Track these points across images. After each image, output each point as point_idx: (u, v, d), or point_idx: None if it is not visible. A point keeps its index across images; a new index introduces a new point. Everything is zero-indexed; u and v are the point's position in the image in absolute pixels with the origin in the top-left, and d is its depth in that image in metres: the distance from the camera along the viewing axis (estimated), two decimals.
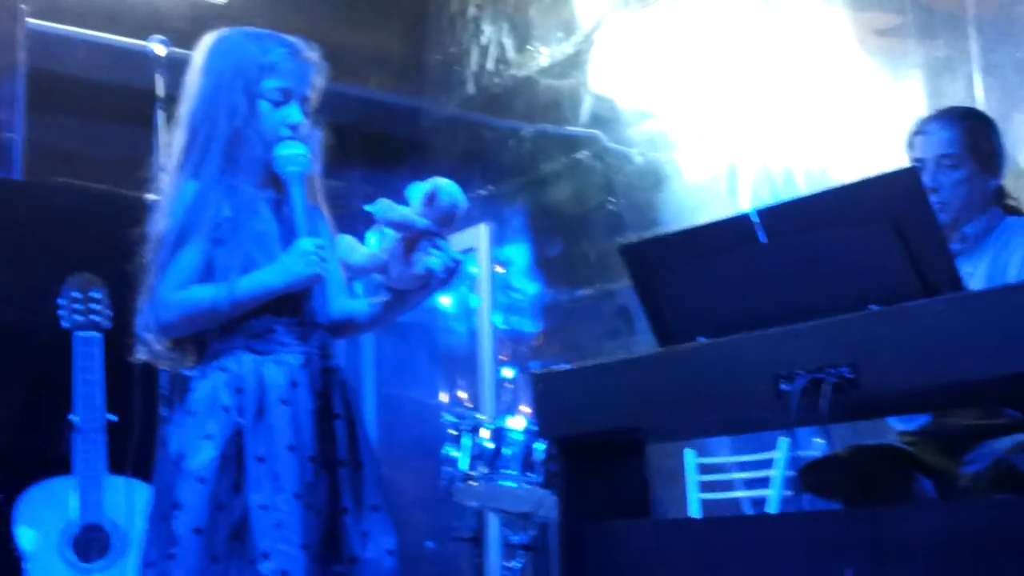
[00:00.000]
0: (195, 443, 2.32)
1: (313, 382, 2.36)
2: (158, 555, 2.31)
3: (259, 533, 2.26)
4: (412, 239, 2.37)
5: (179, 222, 2.37)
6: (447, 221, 2.38)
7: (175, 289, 2.35)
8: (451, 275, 2.41)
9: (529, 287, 5.20)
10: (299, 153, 2.42)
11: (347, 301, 2.56)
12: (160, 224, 2.40)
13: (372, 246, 2.41)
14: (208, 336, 2.41)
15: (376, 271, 2.42)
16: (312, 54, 2.52)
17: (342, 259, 2.43)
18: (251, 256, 2.39)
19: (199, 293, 2.35)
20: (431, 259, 2.36)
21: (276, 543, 2.25)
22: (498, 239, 5.33)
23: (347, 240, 2.44)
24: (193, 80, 2.48)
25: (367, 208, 2.38)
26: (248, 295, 2.35)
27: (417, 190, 2.37)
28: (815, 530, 2.12)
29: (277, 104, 2.45)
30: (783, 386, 2.03)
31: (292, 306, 2.40)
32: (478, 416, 3.62)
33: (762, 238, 2.20)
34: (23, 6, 4.84)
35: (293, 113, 2.46)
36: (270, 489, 2.28)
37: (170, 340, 2.43)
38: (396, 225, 2.35)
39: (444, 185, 2.36)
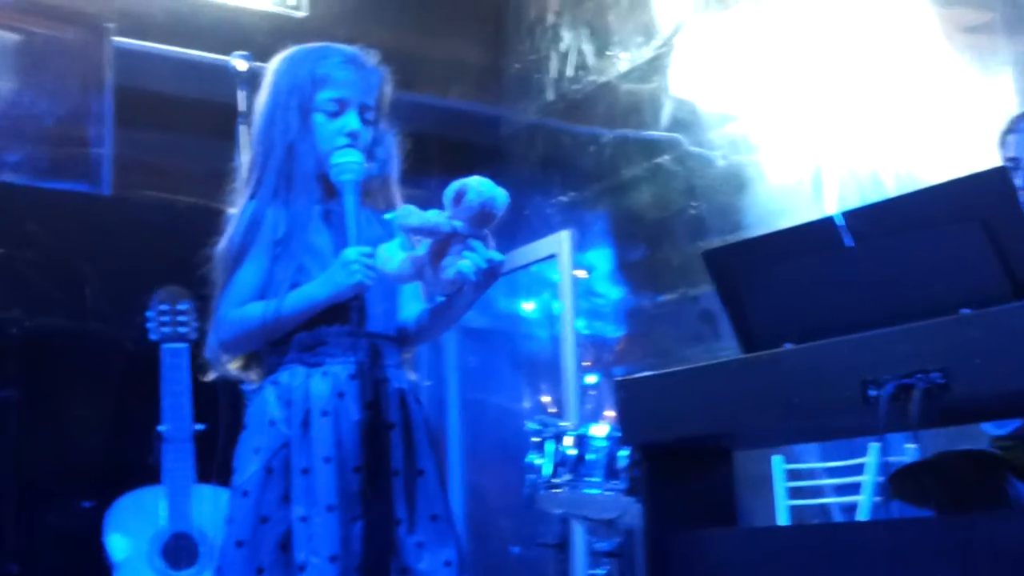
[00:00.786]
0: (246, 457, 2.36)
1: (363, 392, 2.32)
2: (214, 569, 2.39)
3: (298, 545, 2.28)
4: (442, 243, 2.30)
5: (238, 242, 2.41)
6: (481, 220, 2.29)
7: (233, 307, 2.39)
8: (487, 276, 2.33)
9: (612, 292, 5.18)
10: (354, 161, 2.41)
11: (415, 307, 2.53)
12: (221, 246, 2.45)
13: (412, 253, 2.34)
14: (265, 351, 2.44)
15: (411, 279, 2.38)
16: (370, 61, 2.52)
17: (379, 269, 2.36)
18: (304, 269, 2.40)
19: (251, 311, 2.38)
20: (462, 262, 2.29)
21: (309, 555, 2.26)
22: (580, 245, 5.32)
23: (384, 249, 2.38)
24: (260, 101, 2.53)
25: (386, 216, 2.36)
26: (295, 309, 2.36)
27: (450, 191, 2.32)
28: (906, 537, 2.08)
29: (332, 115, 2.46)
30: (871, 392, 1.99)
31: (343, 316, 2.38)
32: (561, 423, 3.61)
33: (848, 241, 2.16)
34: (110, 25, 4.93)
35: (350, 121, 2.46)
36: (307, 501, 2.29)
37: (233, 358, 2.46)
38: (418, 231, 2.30)
39: (473, 184, 2.29)
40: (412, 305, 2.53)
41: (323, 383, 2.36)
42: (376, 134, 2.51)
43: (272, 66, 2.54)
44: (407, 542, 2.34)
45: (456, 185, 2.30)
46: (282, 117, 2.46)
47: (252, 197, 2.45)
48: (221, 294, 2.41)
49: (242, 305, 2.38)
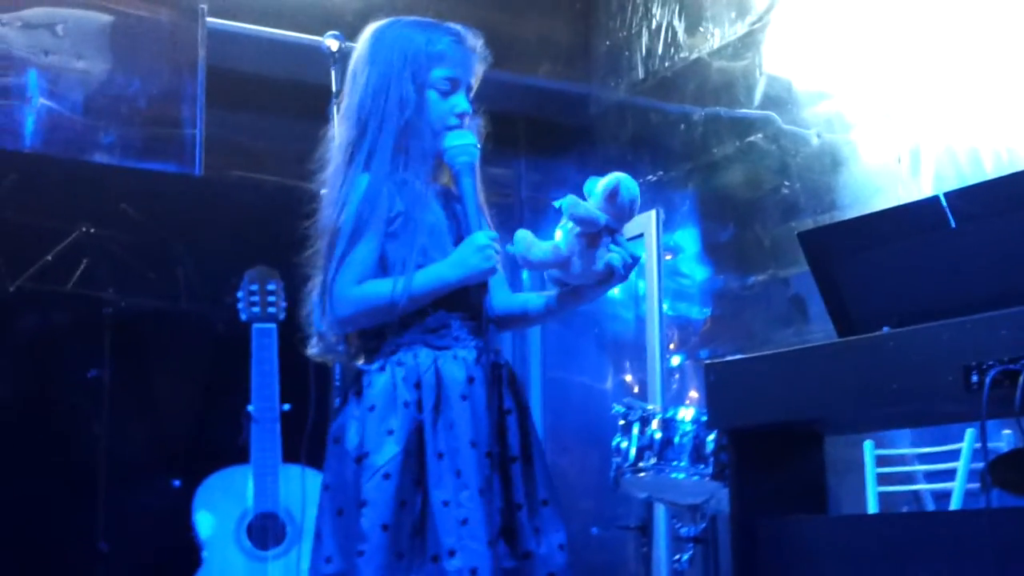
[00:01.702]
0: (378, 439, 2.31)
1: (488, 377, 2.33)
2: (340, 551, 2.31)
3: (444, 530, 2.24)
4: (593, 235, 2.35)
5: (354, 215, 2.35)
6: (625, 216, 2.36)
7: (352, 283, 2.34)
8: (629, 271, 2.38)
9: (698, 273, 5.12)
10: (469, 143, 2.40)
11: (514, 294, 2.53)
12: (333, 217, 2.39)
13: (560, 241, 2.38)
14: (387, 331, 2.39)
15: (557, 266, 2.40)
16: (476, 42, 2.49)
17: (520, 254, 2.38)
18: (424, 250, 2.37)
19: (376, 287, 2.34)
20: (612, 255, 2.34)
21: (463, 540, 2.23)
22: (668, 224, 5.26)
23: (524, 235, 2.41)
24: (359, 70, 2.46)
25: (556, 204, 2.36)
26: (425, 289, 2.33)
27: (596, 185, 2.36)
28: (1006, 528, 2.02)
29: (445, 94, 2.43)
30: (974, 377, 1.94)
31: (466, 301, 2.37)
32: (648, 406, 3.58)
33: (951, 222, 2.11)
34: (203, 6, 4.98)
35: (461, 102, 2.43)
36: (453, 486, 2.26)
37: (344, 334, 2.42)
38: (582, 220, 2.33)
39: (625, 180, 2.34)
40: (503, 292, 2.51)
41: (456, 367, 2.35)
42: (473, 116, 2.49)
43: (372, 34, 2.49)
44: (527, 527, 2.33)
45: (609, 181, 2.33)
46: (397, 88, 2.40)
47: (366, 169, 2.39)
48: (336, 267, 2.35)
49: (361, 281, 2.34)
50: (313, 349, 2.45)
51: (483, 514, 2.25)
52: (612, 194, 2.32)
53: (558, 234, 2.39)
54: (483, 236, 2.32)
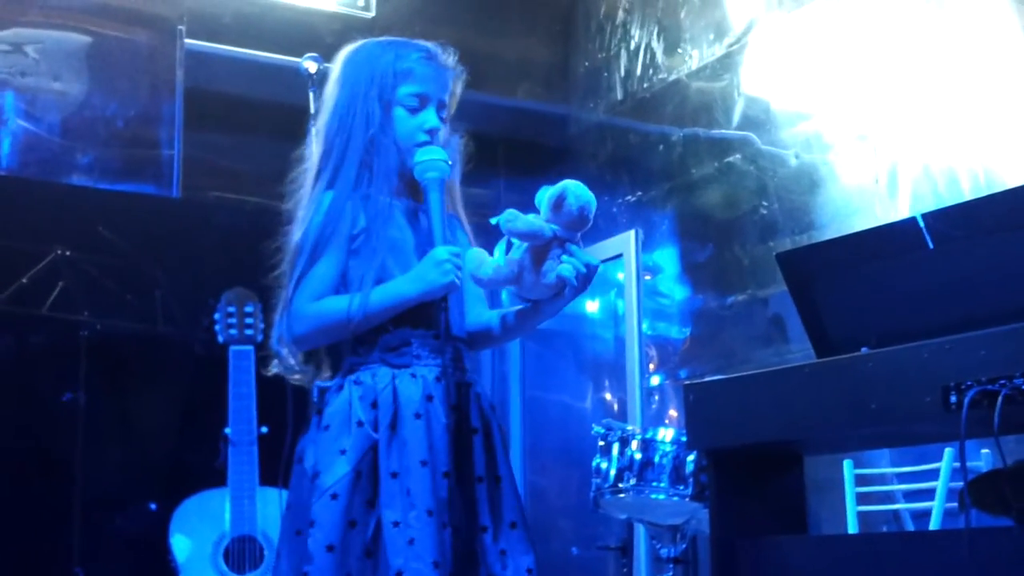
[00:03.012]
0: (329, 458, 2.29)
1: (448, 396, 2.30)
2: (291, 571, 2.30)
3: (392, 550, 2.22)
4: (542, 247, 2.30)
5: (315, 233, 2.35)
6: (578, 225, 2.30)
7: (310, 301, 2.33)
8: (586, 281, 2.33)
9: (677, 293, 5.13)
10: (438, 158, 2.38)
11: (483, 312, 2.51)
12: (296, 235, 2.39)
13: (499, 258, 2.35)
14: (344, 349, 2.38)
15: (506, 283, 2.36)
16: (449, 59, 2.49)
17: (472, 273, 2.36)
18: (385, 266, 2.36)
19: (332, 304, 2.33)
20: (563, 267, 2.29)
21: (409, 561, 2.20)
22: (647, 245, 5.27)
23: (475, 253, 2.39)
24: (329, 93, 2.48)
25: (492, 220, 2.33)
26: (381, 306, 2.32)
27: (545, 195, 2.31)
28: (985, 548, 2.02)
29: (413, 110, 2.43)
30: (953, 398, 1.94)
31: (427, 318, 2.35)
32: (627, 427, 3.57)
33: (929, 243, 2.11)
34: (181, 27, 4.97)
35: (430, 118, 2.43)
36: (402, 505, 2.24)
37: (303, 353, 2.41)
38: (523, 235, 2.29)
39: (572, 188, 2.29)
40: (478, 309, 2.50)
41: (413, 385, 2.32)
42: (446, 134, 2.48)
43: (343, 57, 2.51)
44: (492, 549, 2.30)
45: (554, 190, 2.30)
46: (363, 107, 2.41)
47: (330, 187, 2.40)
48: (295, 285, 2.35)
49: (319, 299, 2.34)
50: (274, 369, 2.44)
51: (430, 534, 2.22)
52: (558, 203, 2.28)
53: (496, 251, 2.36)
54: (443, 251, 2.30)
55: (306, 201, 2.43)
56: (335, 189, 2.40)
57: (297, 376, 2.45)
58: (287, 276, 2.38)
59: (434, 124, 2.43)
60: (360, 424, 2.30)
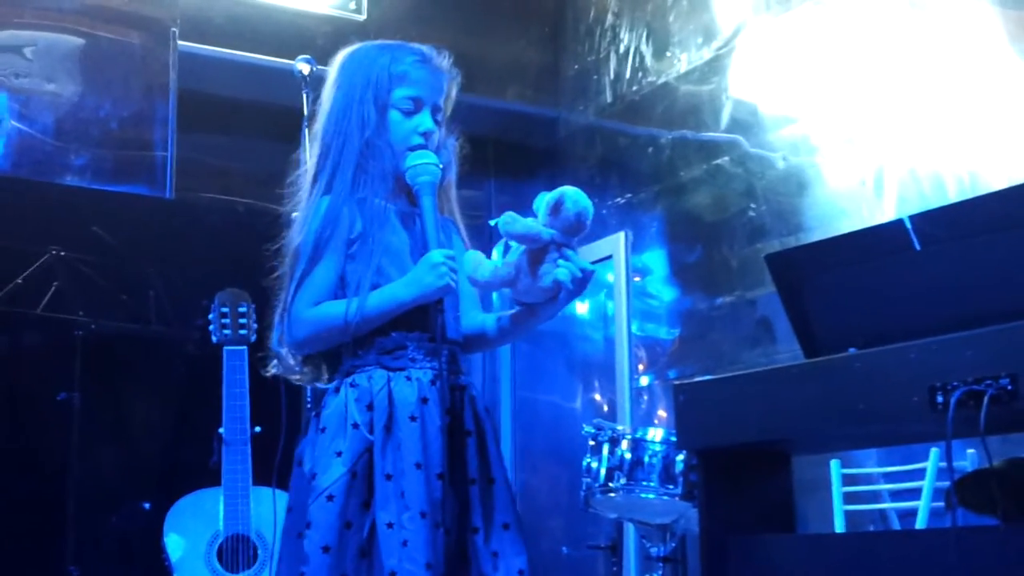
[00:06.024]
0: (326, 460, 2.31)
1: (443, 398, 2.31)
2: (288, 572, 2.32)
3: (386, 552, 2.24)
4: (539, 251, 2.33)
5: (313, 237, 2.37)
6: (575, 230, 2.33)
7: (308, 305, 2.35)
8: (581, 285, 2.35)
9: (666, 294, 5.15)
10: (429, 162, 2.40)
11: (478, 315, 2.52)
12: (295, 239, 2.41)
13: (496, 260, 2.38)
14: (344, 352, 2.40)
15: (503, 286, 2.38)
16: (443, 62, 2.51)
17: (469, 275, 2.38)
18: (382, 269, 2.38)
19: (330, 309, 2.35)
20: (559, 270, 2.31)
21: (402, 562, 2.22)
22: (636, 246, 5.30)
23: (473, 255, 2.41)
24: (326, 97, 2.50)
25: (491, 223, 2.35)
26: (378, 309, 2.34)
27: (544, 200, 2.34)
28: (972, 547, 2.05)
29: (408, 113, 2.45)
30: (939, 398, 1.97)
31: (422, 322, 2.37)
32: (617, 427, 3.60)
33: (916, 245, 2.14)
34: (175, 29, 4.98)
35: (425, 121, 2.45)
36: (397, 507, 2.26)
37: (303, 355, 2.43)
38: (520, 238, 2.32)
39: (570, 193, 2.31)
40: (473, 312, 2.51)
41: (408, 388, 2.34)
42: (441, 137, 2.50)
43: (340, 60, 2.52)
44: (483, 551, 2.32)
45: (553, 195, 2.32)
46: (358, 111, 2.43)
47: (327, 191, 2.42)
48: (294, 289, 2.37)
49: (317, 303, 2.35)
50: (273, 370, 2.46)
51: (424, 536, 2.24)
52: (556, 208, 2.30)
53: (494, 254, 2.39)
54: (438, 255, 2.31)
55: (303, 205, 2.45)
56: (332, 193, 2.41)
57: (297, 377, 2.47)
58: (286, 280, 2.40)
59: (429, 127, 2.45)
60: (356, 426, 2.31)
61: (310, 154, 2.52)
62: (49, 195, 4.57)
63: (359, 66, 2.49)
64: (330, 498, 2.28)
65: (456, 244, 2.49)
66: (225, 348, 3.93)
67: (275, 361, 2.45)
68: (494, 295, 2.66)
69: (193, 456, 4.01)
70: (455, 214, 2.55)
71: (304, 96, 3.72)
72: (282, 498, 3.64)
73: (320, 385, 2.44)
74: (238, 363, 3.91)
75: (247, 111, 5.15)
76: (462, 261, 2.40)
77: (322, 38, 5.08)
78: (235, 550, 3.85)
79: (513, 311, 2.47)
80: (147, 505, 4.33)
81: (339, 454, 2.31)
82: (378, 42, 2.56)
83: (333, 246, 2.38)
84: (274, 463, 3.54)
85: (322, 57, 3.52)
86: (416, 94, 2.46)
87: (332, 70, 2.53)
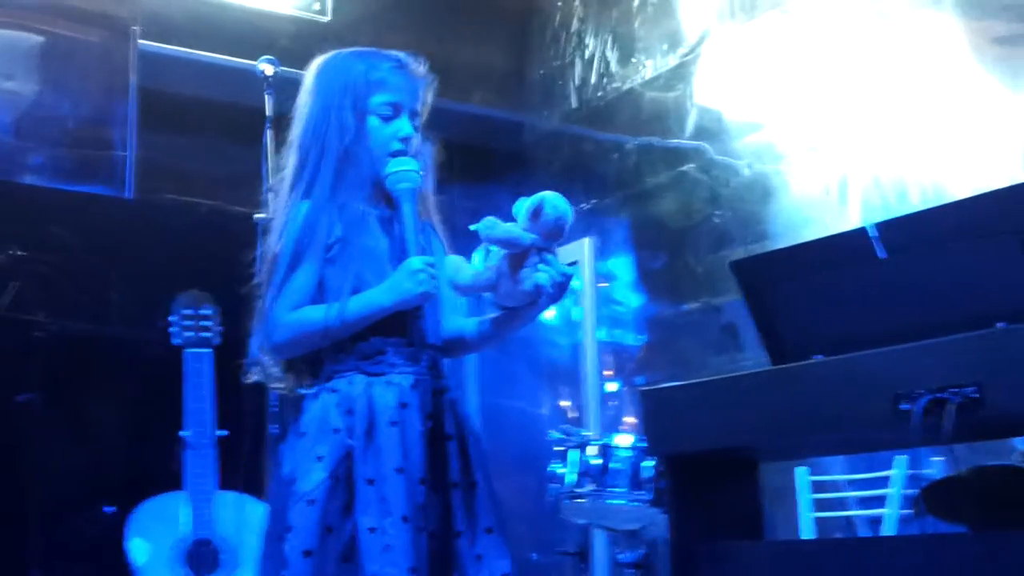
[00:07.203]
0: (306, 465, 2.30)
1: (424, 403, 2.32)
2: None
3: (368, 556, 2.23)
4: (519, 255, 2.33)
5: (292, 243, 2.37)
6: (554, 234, 2.33)
7: (288, 310, 2.35)
8: (561, 290, 2.35)
9: (632, 300, 5.16)
10: (410, 169, 2.40)
11: (457, 320, 2.52)
12: (273, 246, 2.41)
13: (478, 265, 2.39)
14: (323, 357, 2.40)
15: (484, 290, 2.39)
16: (420, 68, 2.51)
17: (449, 279, 2.40)
18: (361, 275, 2.37)
19: (310, 314, 2.35)
20: (540, 275, 2.32)
21: (384, 567, 2.21)
22: (601, 252, 5.30)
23: (453, 260, 2.42)
24: (302, 103, 2.49)
25: (472, 227, 2.35)
26: (358, 315, 2.33)
27: (523, 205, 2.34)
28: (938, 554, 2.06)
29: (387, 119, 2.45)
30: (904, 406, 1.97)
31: (401, 327, 2.37)
32: (585, 432, 3.59)
33: (880, 253, 2.15)
34: (135, 28, 4.94)
35: (404, 126, 2.45)
36: (378, 512, 2.25)
37: (283, 361, 2.42)
38: (501, 242, 2.32)
39: (550, 198, 2.32)
40: (454, 317, 2.51)
41: (388, 393, 2.33)
42: (418, 142, 2.50)
43: (315, 67, 2.52)
44: (467, 554, 2.32)
45: (533, 200, 2.32)
46: (337, 117, 2.43)
47: (306, 197, 2.41)
48: (273, 294, 2.36)
49: (297, 308, 2.35)
50: (254, 376, 2.45)
51: (406, 541, 2.23)
52: (536, 212, 2.31)
53: (475, 258, 2.39)
54: (417, 261, 2.32)
55: (281, 211, 2.44)
56: (311, 199, 2.41)
57: (281, 385, 2.47)
58: (264, 285, 2.40)
59: (408, 132, 2.45)
60: (336, 431, 2.31)
61: (285, 161, 2.51)
62: (7, 194, 4.52)
63: (336, 72, 2.49)
64: (311, 502, 2.27)
65: (436, 248, 2.49)
66: (186, 351, 3.89)
67: (257, 368, 2.44)
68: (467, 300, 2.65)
69: (156, 459, 3.98)
70: (433, 219, 2.54)
71: (267, 97, 3.69)
72: (248, 502, 3.63)
73: (299, 390, 2.43)
74: (200, 366, 3.87)
75: (209, 111, 5.12)
76: (442, 265, 2.41)
77: (285, 39, 5.06)
78: (200, 555, 3.81)
79: (494, 315, 2.47)
80: (110, 509, 4.28)
81: (320, 459, 2.30)
82: (353, 49, 2.55)
83: (312, 251, 2.37)
84: (240, 467, 3.52)
85: (285, 58, 3.50)
86: (395, 99, 2.46)
87: (308, 77, 2.53)
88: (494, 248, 2.36)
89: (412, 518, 2.25)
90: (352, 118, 2.43)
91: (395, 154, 2.43)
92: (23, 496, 4.13)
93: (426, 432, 2.31)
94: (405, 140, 2.44)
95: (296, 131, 2.49)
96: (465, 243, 2.48)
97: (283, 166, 2.51)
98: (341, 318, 2.32)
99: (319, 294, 2.38)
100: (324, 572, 2.25)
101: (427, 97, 2.52)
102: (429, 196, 2.53)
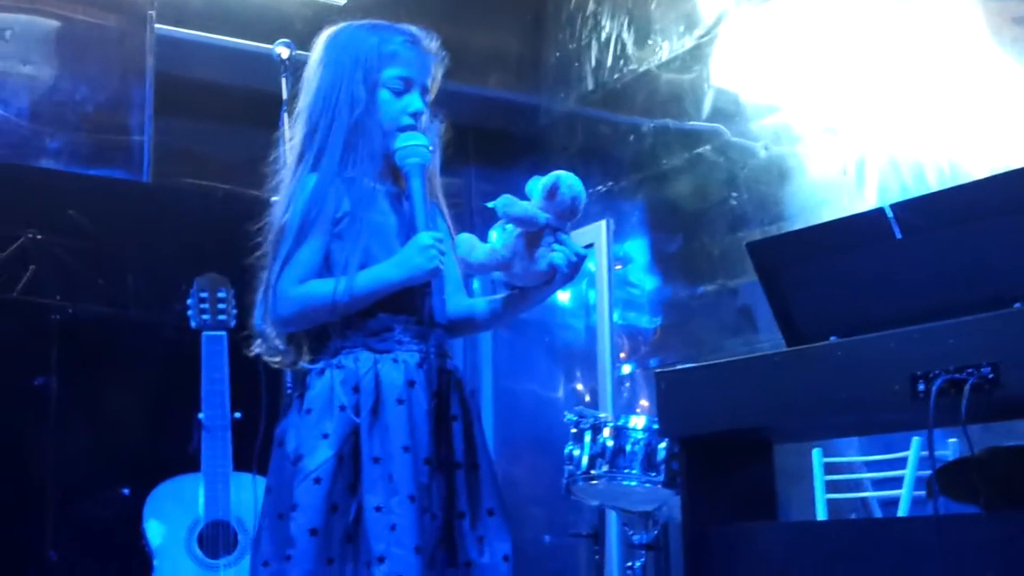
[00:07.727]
0: (312, 442, 2.28)
1: (430, 382, 2.29)
2: (274, 555, 2.28)
3: (374, 535, 2.22)
4: (534, 234, 2.32)
5: (300, 215, 2.33)
6: (569, 214, 2.32)
7: (294, 283, 2.32)
8: (575, 270, 2.34)
9: (647, 282, 5.16)
10: (420, 144, 2.37)
11: (464, 299, 2.50)
12: (280, 217, 2.37)
13: (495, 242, 2.37)
14: (330, 332, 2.37)
15: (497, 268, 2.37)
16: (432, 43, 2.48)
17: (462, 257, 2.37)
18: (369, 250, 2.35)
19: (317, 287, 2.32)
20: (555, 254, 2.31)
21: (391, 546, 2.20)
22: (617, 235, 5.30)
23: (466, 238, 2.39)
24: (312, 74, 2.46)
25: (489, 204, 2.33)
26: (366, 290, 2.31)
27: (537, 184, 2.33)
28: (953, 535, 2.05)
29: (398, 93, 2.42)
30: (920, 387, 1.97)
31: (410, 304, 2.34)
32: (599, 414, 3.60)
33: (897, 234, 2.14)
34: (152, 12, 4.95)
35: (414, 101, 2.42)
36: (384, 491, 2.24)
37: (286, 335, 2.39)
38: (518, 220, 2.31)
39: (565, 178, 2.31)
40: (458, 296, 2.49)
41: (395, 371, 2.31)
42: (427, 119, 2.48)
43: (326, 38, 2.48)
44: (469, 536, 2.30)
45: (548, 179, 2.31)
46: (348, 89, 2.40)
47: (314, 169, 2.38)
48: (280, 267, 2.33)
49: (303, 281, 2.32)
50: (256, 349, 2.43)
51: (412, 520, 2.22)
52: (551, 192, 2.29)
53: (492, 235, 2.37)
54: (427, 236, 2.29)
55: (288, 182, 2.41)
56: (319, 171, 2.37)
57: (278, 358, 2.44)
58: (270, 257, 2.37)
59: (418, 107, 2.42)
60: (342, 408, 2.29)
61: (294, 132, 2.47)
62: (25, 178, 4.53)
63: (347, 45, 2.45)
64: (317, 480, 2.25)
65: (441, 227, 2.46)
66: (204, 333, 3.90)
67: (259, 340, 2.41)
68: (475, 281, 2.64)
69: (172, 442, 3.98)
70: (439, 198, 2.52)
71: (283, 80, 3.69)
72: (262, 484, 3.63)
73: (305, 365, 2.41)
74: (217, 348, 3.88)
75: (225, 95, 5.12)
76: (448, 243, 2.38)
77: (301, 22, 5.06)
78: (215, 536, 3.83)
79: (504, 295, 2.45)
80: (126, 491, 4.29)
81: (325, 436, 2.28)
82: (365, 21, 2.52)
83: (319, 225, 2.34)
84: (254, 449, 3.53)
85: (301, 41, 3.49)
86: (406, 74, 2.43)
87: (317, 48, 2.49)
88: (509, 226, 2.35)
89: (418, 498, 2.23)
90: (363, 91, 2.39)
91: (404, 129, 2.40)
92: (40, 479, 4.15)
93: (432, 411, 2.28)
94: (415, 115, 2.41)
95: (304, 102, 2.45)
96: (479, 224, 2.47)
97: (291, 137, 2.48)
98: (349, 292, 2.29)
99: (325, 269, 2.35)
100: (329, 551, 2.24)
101: (437, 74, 2.49)
102: (436, 176, 2.49)
